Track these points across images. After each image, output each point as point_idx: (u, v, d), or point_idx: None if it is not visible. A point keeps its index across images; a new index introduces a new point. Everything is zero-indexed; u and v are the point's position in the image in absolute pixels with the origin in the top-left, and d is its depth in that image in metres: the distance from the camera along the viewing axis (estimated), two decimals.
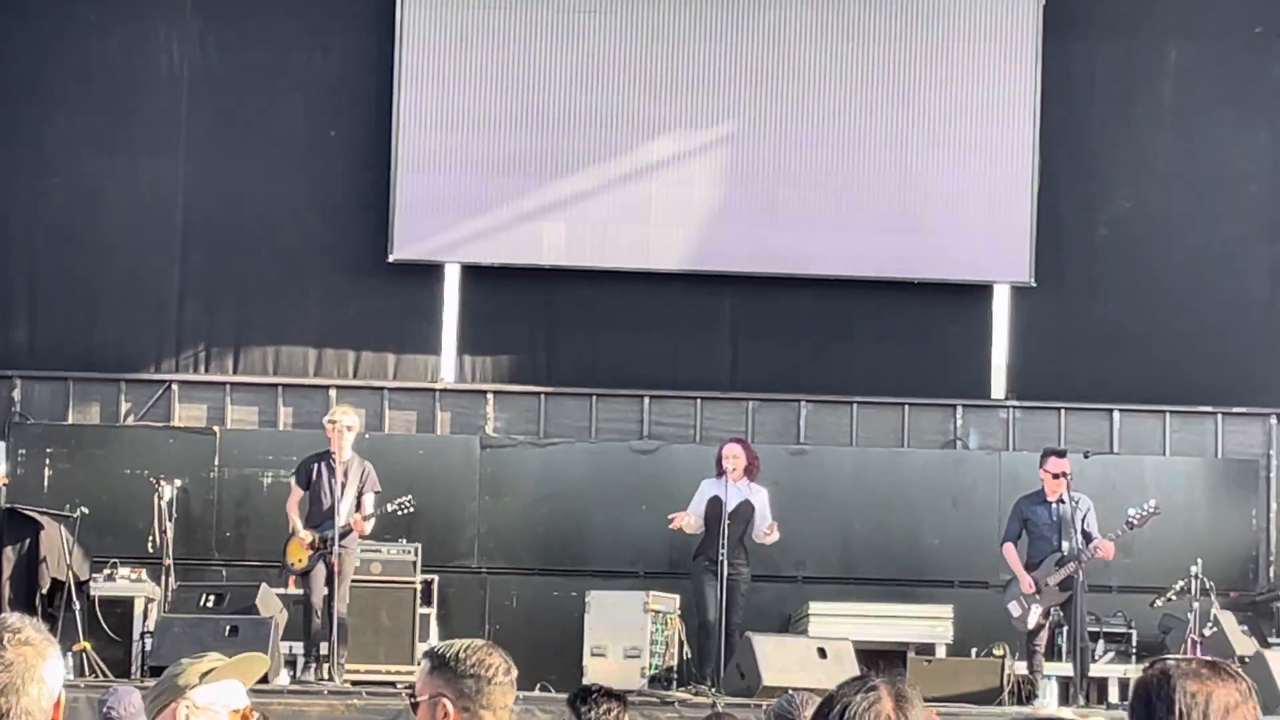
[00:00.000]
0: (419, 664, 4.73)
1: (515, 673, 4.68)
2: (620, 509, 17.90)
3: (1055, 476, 15.27)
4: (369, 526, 15.31)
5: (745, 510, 15.56)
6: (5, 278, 18.50)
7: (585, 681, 15.52)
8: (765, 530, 15.59)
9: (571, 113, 18.36)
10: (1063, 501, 15.24)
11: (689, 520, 15.73)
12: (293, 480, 15.61)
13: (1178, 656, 4.09)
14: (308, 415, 18.16)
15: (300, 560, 15.16)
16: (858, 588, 17.47)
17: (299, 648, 15.52)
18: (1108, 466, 18.02)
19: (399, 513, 15.41)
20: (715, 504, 15.53)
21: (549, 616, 17.63)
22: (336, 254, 18.62)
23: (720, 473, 15.64)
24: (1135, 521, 15.12)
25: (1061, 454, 15.58)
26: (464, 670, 4.51)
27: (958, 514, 18.04)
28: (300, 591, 15.58)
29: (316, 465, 15.28)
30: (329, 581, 15.02)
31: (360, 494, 15.29)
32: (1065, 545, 15.16)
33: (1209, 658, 4.02)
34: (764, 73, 18.43)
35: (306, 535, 15.14)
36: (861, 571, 17.94)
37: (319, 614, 14.99)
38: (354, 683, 14.98)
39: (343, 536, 15.06)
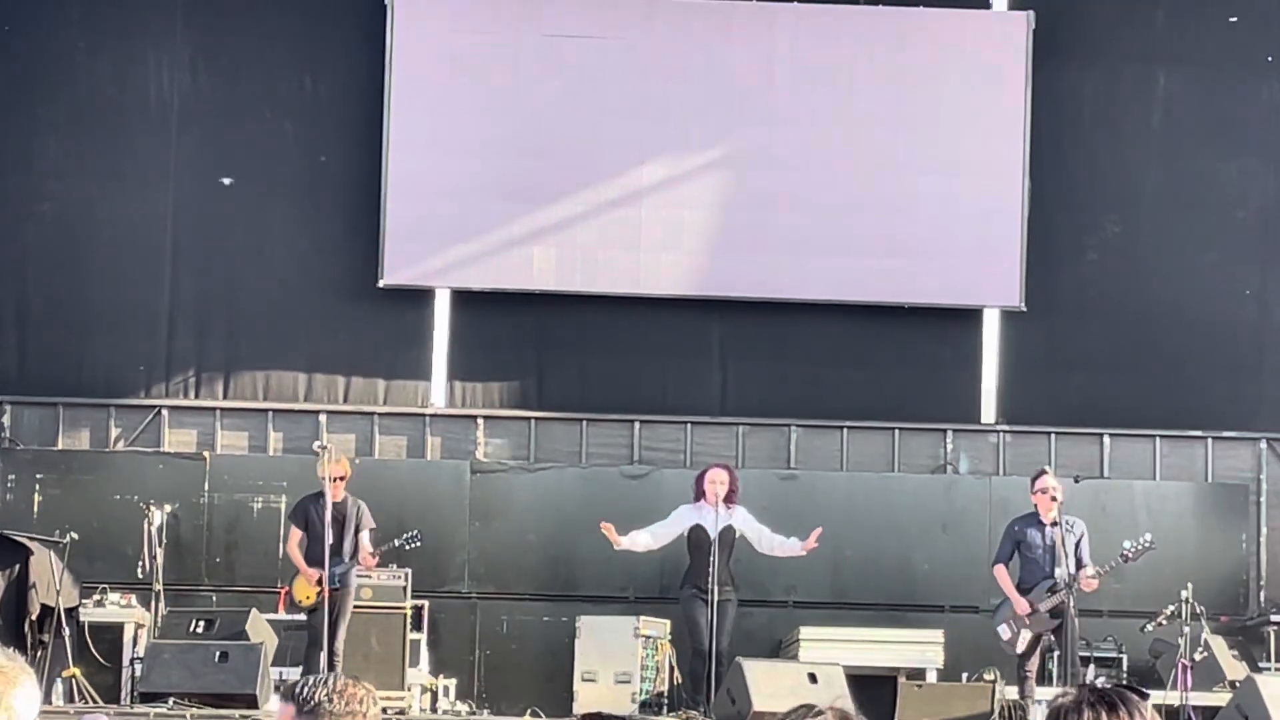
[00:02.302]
0: (282, 701, 4.58)
1: (379, 701, 4.58)
2: None
3: (1044, 493, 15.21)
4: (376, 560, 15.36)
5: (729, 536, 15.54)
6: None
7: (575, 708, 15.53)
8: (785, 544, 15.64)
9: (562, 138, 18.38)
10: (1056, 524, 15.18)
11: (637, 540, 15.64)
12: (291, 523, 15.58)
13: (1088, 684, 4.10)
14: (298, 440, 18.16)
15: (309, 598, 15.10)
16: (848, 612, 17.47)
17: (290, 673, 15.48)
18: (1098, 491, 18.04)
19: (406, 547, 15.42)
20: (699, 531, 15.50)
21: (540, 642, 17.62)
22: (327, 279, 18.62)
23: (698, 496, 15.62)
24: (1130, 555, 15.04)
25: (1043, 472, 15.53)
26: (340, 711, 4.42)
27: (948, 538, 18.03)
28: (296, 617, 15.59)
29: (313, 507, 15.27)
30: (333, 619, 15.07)
31: (357, 531, 15.32)
32: (1058, 571, 15.11)
33: (1112, 685, 4.05)
34: (754, 99, 18.44)
35: (314, 573, 15.07)
36: (852, 596, 17.93)
37: (323, 646, 14.98)
38: None
39: (348, 572, 15.11)
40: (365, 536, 15.33)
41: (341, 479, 15.33)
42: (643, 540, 15.70)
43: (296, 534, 15.39)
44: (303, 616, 15.43)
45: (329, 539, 15.02)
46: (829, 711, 3.89)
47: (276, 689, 15.23)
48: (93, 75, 18.54)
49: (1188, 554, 17.83)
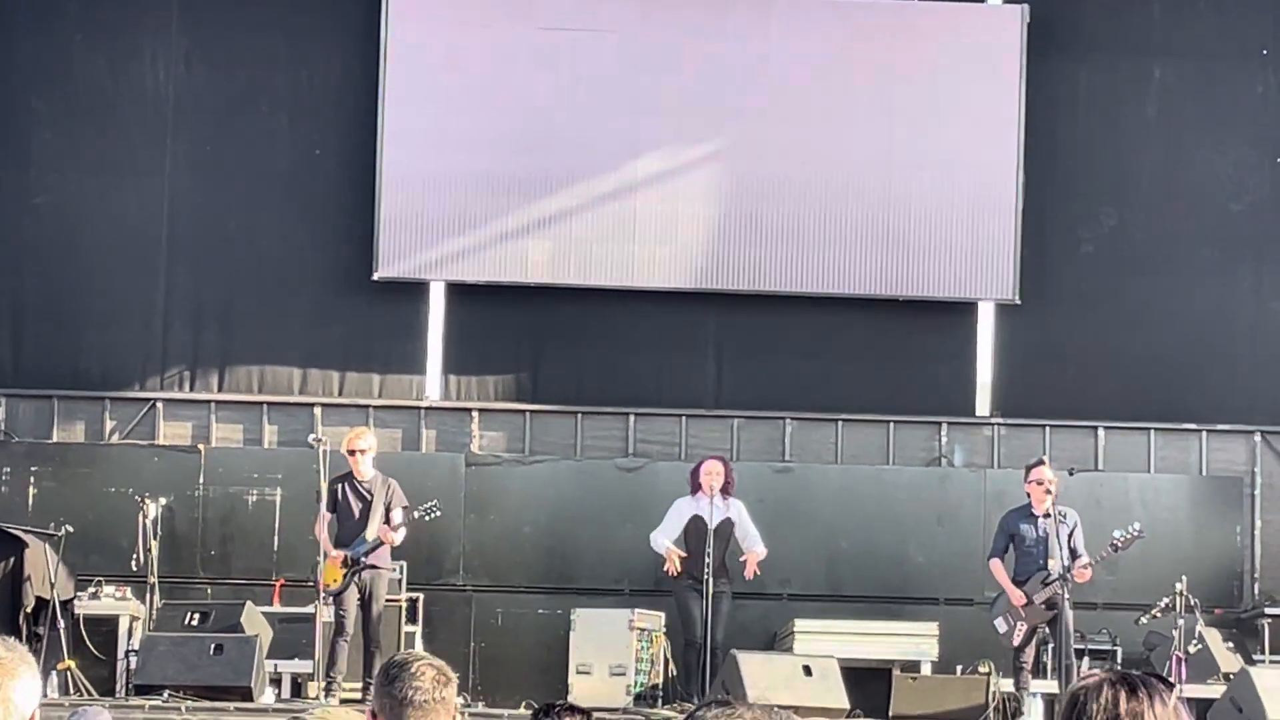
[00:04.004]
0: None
1: (447, 691, 4.63)
2: (605, 527, 17.90)
3: (1038, 484, 15.23)
4: (398, 537, 15.16)
5: (726, 528, 15.58)
6: None
7: (571, 699, 15.54)
8: (756, 549, 15.64)
9: (557, 131, 18.37)
10: (1049, 516, 15.21)
11: (673, 550, 15.61)
12: (320, 504, 15.25)
13: (1100, 672, 4.11)
14: (293, 433, 18.15)
15: (335, 580, 14.96)
16: (843, 605, 17.47)
17: (284, 665, 15.47)
18: (1092, 484, 18.03)
19: (425, 518, 15.34)
20: (698, 522, 15.53)
21: (534, 634, 17.63)
22: (321, 272, 18.61)
23: (695, 489, 15.64)
24: (1120, 544, 15.08)
25: (1041, 463, 15.57)
26: (386, 689, 4.46)
27: (943, 531, 18.04)
28: (291, 609, 15.56)
29: (341, 487, 15.16)
30: (362, 604, 14.98)
31: (388, 510, 15.22)
32: (1051, 563, 15.14)
33: (1127, 671, 4.06)
34: (749, 92, 18.44)
35: (338, 554, 14.97)
36: (847, 589, 17.94)
37: (347, 635, 14.87)
38: (341, 700, 14.95)
39: (372, 550, 15.02)
40: (398, 515, 15.18)
41: (360, 452, 15.22)
42: (671, 545, 15.64)
43: (326, 516, 15.12)
44: (303, 609, 15.36)
45: (365, 517, 14.96)
46: (746, 713, 3.79)
47: (271, 681, 15.23)
48: (89, 69, 18.53)
49: (1182, 547, 17.85)
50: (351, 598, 14.96)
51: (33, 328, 18.46)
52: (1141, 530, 15.18)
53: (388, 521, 15.13)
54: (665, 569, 15.54)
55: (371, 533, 15.07)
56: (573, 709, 6.45)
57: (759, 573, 15.71)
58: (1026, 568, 15.29)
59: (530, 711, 6.91)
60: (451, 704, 4.65)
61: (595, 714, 14.76)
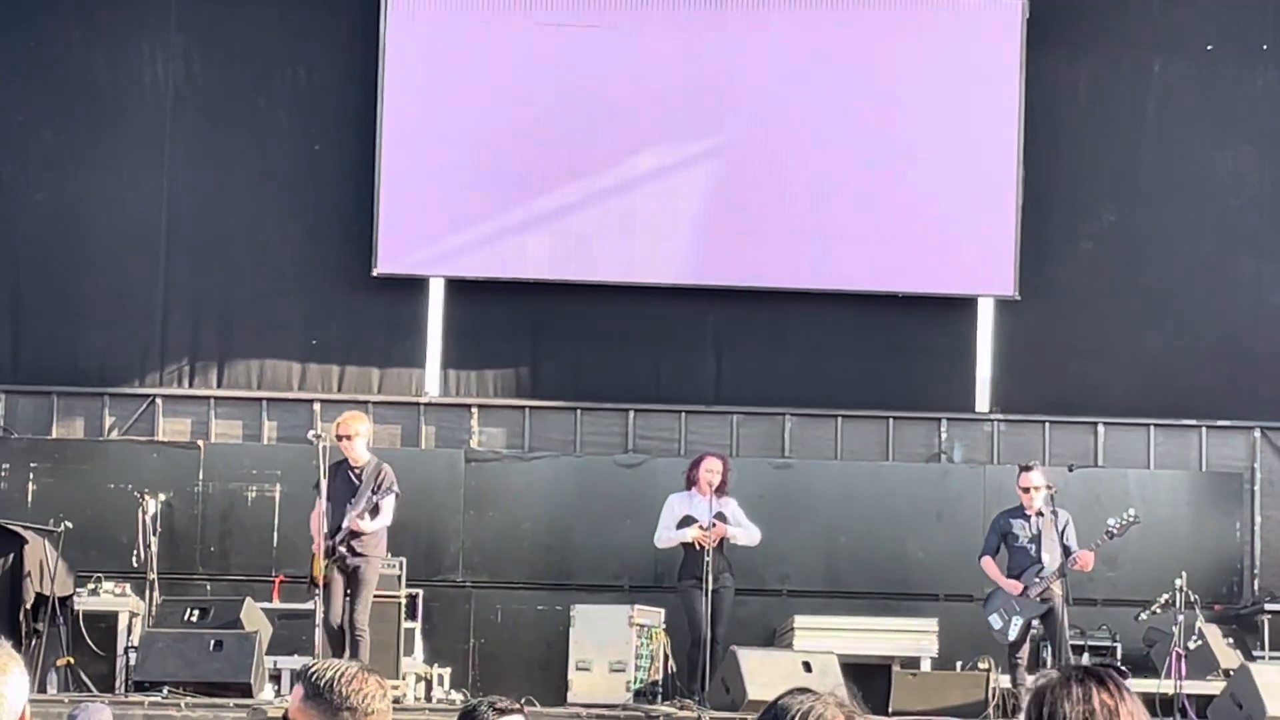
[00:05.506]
0: (295, 681, 4.66)
1: (390, 696, 4.60)
2: (605, 523, 17.89)
3: (1025, 491, 15.36)
4: (369, 525, 14.74)
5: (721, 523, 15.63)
6: None
7: (570, 696, 15.55)
8: (744, 536, 15.68)
9: (556, 126, 18.36)
10: (1041, 514, 15.27)
11: (693, 531, 15.61)
12: (317, 493, 14.97)
13: (1056, 670, 4.12)
14: (292, 429, 18.14)
15: (321, 572, 14.75)
16: (842, 601, 17.47)
17: (284, 662, 15.45)
18: (1092, 480, 18.04)
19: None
20: (691, 521, 15.54)
21: (534, 631, 17.62)
22: (321, 268, 18.61)
23: (690, 484, 15.66)
24: (1115, 531, 15.15)
25: (1028, 468, 15.64)
26: (339, 703, 4.43)
27: (942, 527, 18.03)
28: (290, 605, 15.52)
29: (333, 473, 14.90)
30: (347, 590, 14.72)
31: (376, 497, 14.97)
32: (1045, 558, 15.19)
33: (1086, 666, 4.07)
34: (748, 87, 18.44)
35: (322, 545, 14.73)
36: (846, 585, 17.93)
37: (334, 628, 14.61)
38: None
39: (348, 538, 14.79)
40: (388, 501, 14.90)
41: (348, 438, 15.04)
42: (684, 530, 15.66)
43: (319, 505, 14.86)
44: (304, 606, 15.28)
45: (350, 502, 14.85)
46: (830, 700, 3.84)
47: (271, 678, 15.22)
48: (88, 65, 18.53)
49: (1182, 543, 17.84)
50: (338, 588, 14.70)
51: (32, 324, 18.45)
52: (1136, 516, 15.24)
53: (376, 509, 14.94)
54: (697, 547, 15.46)
55: (350, 519, 14.88)
56: (502, 709, 6.37)
57: (727, 536, 15.62)
58: (1020, 564, 15.33)
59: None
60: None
61: (590, 710, 14.79)
